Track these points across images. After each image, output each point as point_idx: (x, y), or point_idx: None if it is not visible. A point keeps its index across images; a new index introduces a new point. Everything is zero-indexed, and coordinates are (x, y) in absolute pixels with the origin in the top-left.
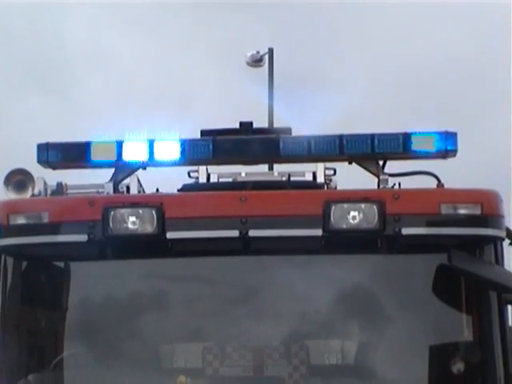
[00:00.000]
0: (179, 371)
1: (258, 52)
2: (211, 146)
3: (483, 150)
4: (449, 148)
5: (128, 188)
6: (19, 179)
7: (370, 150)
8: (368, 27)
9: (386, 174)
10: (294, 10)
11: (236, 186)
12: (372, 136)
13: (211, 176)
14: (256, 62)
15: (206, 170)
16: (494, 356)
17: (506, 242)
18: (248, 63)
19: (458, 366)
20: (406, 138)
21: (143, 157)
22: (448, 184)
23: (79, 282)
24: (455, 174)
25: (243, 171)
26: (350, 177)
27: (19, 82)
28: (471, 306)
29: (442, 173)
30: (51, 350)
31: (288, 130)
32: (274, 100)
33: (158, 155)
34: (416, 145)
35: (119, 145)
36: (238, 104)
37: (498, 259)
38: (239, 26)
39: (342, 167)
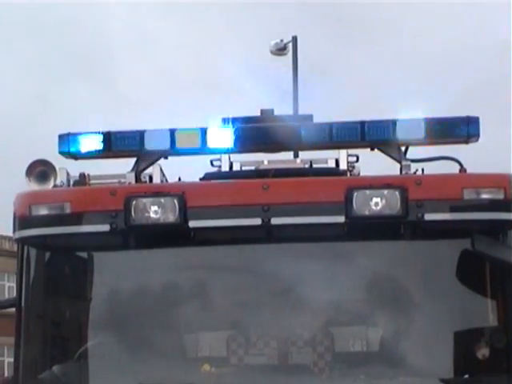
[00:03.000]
0: (203, 360)
1: (281, 40)
2: (234, 134)
3: (504, 135)
4: (471, 133)
5: (151, 177)
6: (41, 170)
7: (392, 136)
8: (389, 18)
9: (408, 159)
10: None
11: (258, 174)
12: (394, 122)
13: (234, 164)
14: (280, 50)
15: (229, 158)
16: None
17: None
18: (272, 52)
19: (483, 351)
20: (428, 123)
21: (165, 145)
22: (470, 169)
23: (102, 272)
24: (477, 160)
25: (266, 159)
26: (373, 163)
27: (62, 72)
28: (496, 291)
29: (464, 158)
30: (75, 340)
31: (309, 117)
32: (299, 88)
33: (180, 144)
34: (436, 130)
35: (141, 134)
36: (261, 92)
37: None
38: (265, 16)
39: (364, 154)
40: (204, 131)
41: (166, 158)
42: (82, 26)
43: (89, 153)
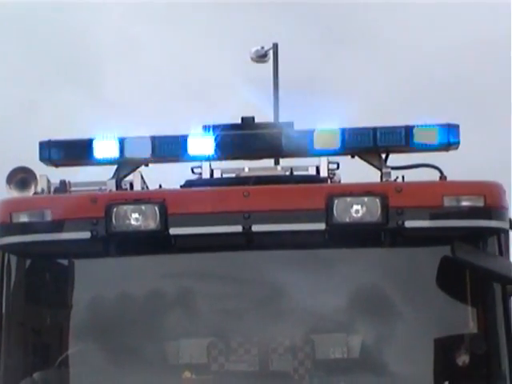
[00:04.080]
0: (184, 367)
1: (262, 47)
2: (214, 141)
3: (485, 142)
4: (451, 140)
5: (131, 185)
6: (22, 177)
7: (372, 144)
8: (373, 26)
9: (388, 167)
10: (298, 7)
11: (239, 181)
12: (374, 129)
13: (214, 172)
14: (260, 57)
15: (210, 165)
16: (499, 348)
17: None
18: (252, 59)
19: (463, 358)
20: (408, 130)
21: (146, 153)
22: (451, 177)
23: (83, 279)
24: (457, 167)
25: (246, 166)
26: (354, 171)
27: (49, 77)
28: (476, 298)
29: (444, 165)
30: (56, 348)
31: (290, 125)
32: (280, 95)
33: (161, 151)
34: (418, 138)
35: (121, 141)
36: (242, 99)
37: (502, 251)
38: (247, 22)
39: (345, 161)
40: (185, 138)
41: (146, 165)
42: (67, 31)
43: (69, 160)
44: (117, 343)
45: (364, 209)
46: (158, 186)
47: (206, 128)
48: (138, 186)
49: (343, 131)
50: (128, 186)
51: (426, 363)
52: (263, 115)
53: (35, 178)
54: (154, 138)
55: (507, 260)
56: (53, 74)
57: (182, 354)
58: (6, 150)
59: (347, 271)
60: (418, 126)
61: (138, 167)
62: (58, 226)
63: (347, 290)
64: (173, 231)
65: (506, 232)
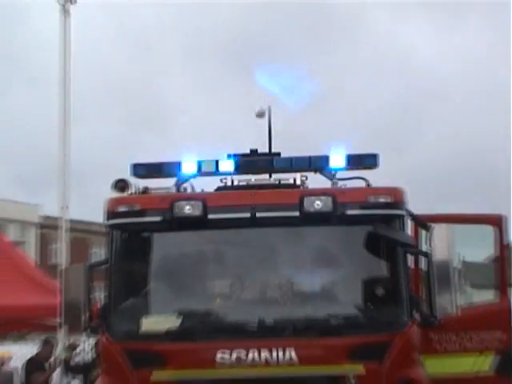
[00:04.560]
0: (216, 296)
1: (261, 107)
2: (234, 164)
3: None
4: (373, 163)
5: (185, 189)
6: (121, 184)
7: (326, 165)
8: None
9: (336, 179)
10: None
11: (248, 187)
12: (327, 156)
13: (234, 181)
14: (260, 115)
15: (231, 178)
16: (401, 285)
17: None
18: (256, 115)
19: (381, 291)
20: (348, 157)
21: (193, 170)
22: (374, 184)
23: (156, 244)
24: (378, 179)
25: (253, 178)
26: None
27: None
28: (388, 256)
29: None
30: (140, 286)
31: (278, 154)
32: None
33: (204, 169)
34: (332, 163)
35: (179, 163)
36: (252, 138)
37: (403, 228)
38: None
39: (311, 175)
40: (217, 162)
41: (194, 177)
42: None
43: (149, 175)
44: (177, 283)
45: (322, 203)
46: (201, 190)
47: (229, 155)
48: (189, 190)
49: (309, 158)
50: (183, 190)
51: (360, 295)
52: (263, 147)
53: (129, 185)
54: (199, 162)
55: (406, 233)
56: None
57: (216, 289)
58: (111, 167)
59: (313, 240)
60: (353, 154)
61: (189, 179)
62: (142, 213)
63: (313, 251)
64: (210, 216)
65: (404, 217)
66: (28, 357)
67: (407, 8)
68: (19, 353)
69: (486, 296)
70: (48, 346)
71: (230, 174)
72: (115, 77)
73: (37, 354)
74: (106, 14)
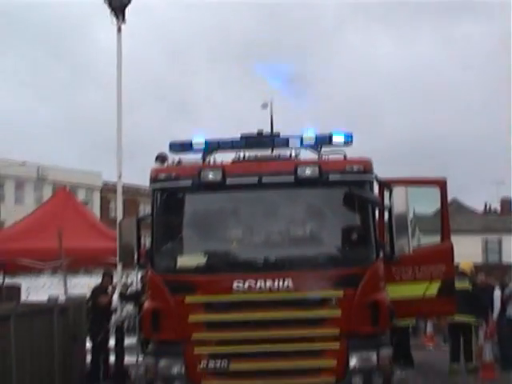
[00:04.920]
0: (233, 239)
1: (265, 101)
2: (244, 141)
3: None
4: (347, 141)
5: (209, 161)
6: (161, 157)
7: (315, 142)
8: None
9: (321, 153)
10: None
11: (256, 159)
12: (316, 136)
13: (246, 155)
14: (264, 106)
15: (244, 152)
16: (370, 231)
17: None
18: (261, 106)
19: (355, 236)
20: (329, 136)
21: (214, 147)
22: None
23: (188, 203)
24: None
25: (259, 153)
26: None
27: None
28: (360, 210)
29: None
30: (176, 232)
31: (278, 134)
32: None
33: (222, 146)
34: (305, 141)
35: (207, 141)
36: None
37: (371, 189)
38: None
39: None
40: (232, 140)
41: (216, 151)
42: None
43: (182, 150)
44: (203, 231)
45: (311, 171)
46: (220, 162)
47: (241, 136)
48: (212, 162)
49: (301, 137)
50: (207, 162)
51: (339, 239)
52: (266, 129)
53: (167, 158)
54: (218, 141)
55: (373, 193)
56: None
57: (232, 235)
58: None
59: (305, 199)
60: (331, 132)
61: (211, 152)
62: (177, 179)
63: (305, 207)
64: (227, 181)
65: (372, 181)
66: (94, 285)
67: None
68: (88, 283)
69: (433, 239)
70: (108, 277)
71: (243, 149)
72: (156, 76)
73: (100, 283)
74: (149, 28)
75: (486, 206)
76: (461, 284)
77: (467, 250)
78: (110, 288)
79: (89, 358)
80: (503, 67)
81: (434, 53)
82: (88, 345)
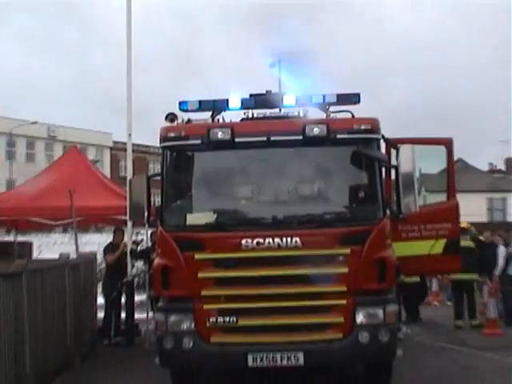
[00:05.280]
0: (242, 198)
1: (273, 61)
2: (253, 100)
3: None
4: (355, 100)
5: (218, 120)
6: (171, 116)
7: (324, 102)
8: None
9: (330, 112)
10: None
11: (265, 118)
12: (324, 95)
13: (254, 114)
14: (272, 65)
15: (252, 111)
16: (377, 189)
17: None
18: (269, 66)
19: (362, 195)
20: (340, 95)
21: (225, 106)
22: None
23: (197, 160)
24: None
25: (268, 111)
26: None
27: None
28: (368, 169)
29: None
30: (185, 189)
31: (284, 93)
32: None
33: (231, 105)
34: (313, 100)
35: (214, 101)
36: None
37: (378, 148)
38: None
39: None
40: (242, 99)
41: (224, 111)
42: None
43: (191, 110)
44: (212, 189)
45: (319, 129)
46: (229, 120)
47: (250, 95)
48: (221, 121)
49: (310, 96)
50: (217, 121)
51: (347, 197)
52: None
53: (176, 117)
54: (227, 100)
55: (381, 152)
56: None
57: (241, 193)
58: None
59: (312, 157)
60: (342, 93)
61: (220, 112)
62: (186, 138)
63: (313, 166)
64: (236, 140)
65: (379, 140)
66: (106, 242)
67: None
68: (98, 240)
69: (439, 198)
70: (119, 233)
71: (252, 107)
72: (166, 38)
73: (112, 240)
74: None
75: (490, 165)
76: (463, 242)
77: (472, 209)
78: (122, 244)
79: (100, 314)
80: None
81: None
82: (100, 301)
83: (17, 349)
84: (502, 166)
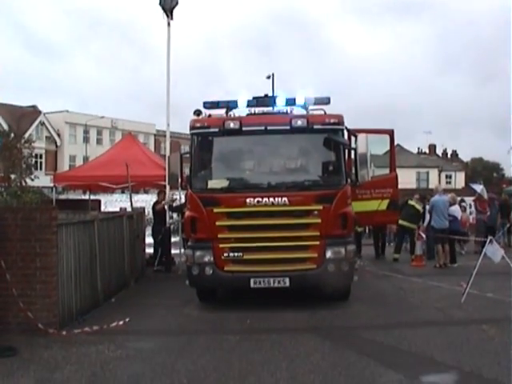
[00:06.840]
0: (246, 170)
1: (268, 74)
2: (255, 101)
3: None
4: (326, 101)
5: (231, 115)
6: (198, 111)
7: (304, 103)
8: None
9: (308, 109)
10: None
11: (264, 113)
12: (305, 98)
13: (256, 111)
14: (268, 77)
15: (254, 109)
16: (342, 164)
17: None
18: (266, 77)
19: (331, 168)
20: (316, 98)
21: (235, 105)
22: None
23: (216, 144)
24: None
25: (265, 109)
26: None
27: None
28: (335, 150)
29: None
30: (208, 165)
31: (278, 96)
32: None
33: (240, 105)
34: (297, 101)
35: (229, 101)
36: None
37: (342, 135)
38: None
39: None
40: (248, 100)
41: (235, 109)
42: None
43: (211, 107)
44: (226, 163)
45: (301, 122)
46: (238, 115)
47: (253, 97)
48: (232, 115)
49: (294, 99)
50: (229, 115)
51: (321, 170)
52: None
53: (201, 112)
54: (235, 101)
55: (344, 138)
56: None
57: (246, 166)
58: (192, 103)
59: (297, 141)
60: (318, 97)
61: (232, 109)
62: (208, 127)
63: (296, 147)
64: (243, 129)
65: (343, 130)
66: (153, 200)
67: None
68: (146, 199)
69: (383, 172)
70: (162, 193)
71: (254, 106)
72: (195, 56)
73: (157, 198)
74: (191, 22)
75: (418, 149)
76: (418, 205)
77: (405, 180)
78: (164, 200)
79: (147, 250)
80: None
81: None
82: (148, 240)
83: (92, 273)
84: (426, 150)
